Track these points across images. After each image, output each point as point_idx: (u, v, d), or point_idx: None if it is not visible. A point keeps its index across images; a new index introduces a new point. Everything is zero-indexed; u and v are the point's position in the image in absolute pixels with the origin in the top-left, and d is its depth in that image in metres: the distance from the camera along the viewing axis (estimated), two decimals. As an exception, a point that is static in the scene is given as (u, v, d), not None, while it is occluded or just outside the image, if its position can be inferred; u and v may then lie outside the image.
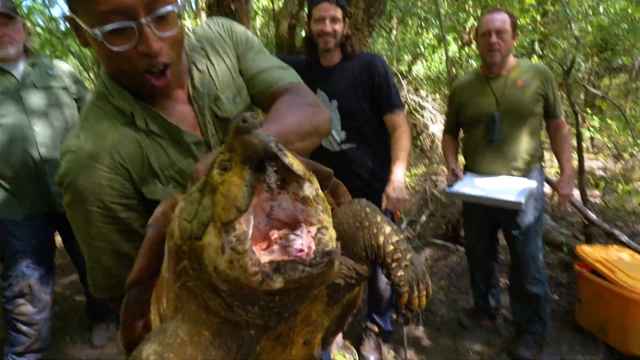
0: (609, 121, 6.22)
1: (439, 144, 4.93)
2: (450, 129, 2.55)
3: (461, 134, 2.57)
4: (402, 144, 2.07)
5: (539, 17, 5.50)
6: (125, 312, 0.64)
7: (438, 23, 5.28)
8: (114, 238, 0.85)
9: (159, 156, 0.87)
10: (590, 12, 6.55)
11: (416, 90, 6.63)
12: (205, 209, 0.51)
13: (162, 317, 0.61)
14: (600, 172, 6.18)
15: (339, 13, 2.00)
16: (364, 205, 0.71)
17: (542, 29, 5.92)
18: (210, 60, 0.96)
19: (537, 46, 7.26)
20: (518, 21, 2.30)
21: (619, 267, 2.47)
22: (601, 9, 6.16)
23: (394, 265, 0.69)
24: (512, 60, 2.26)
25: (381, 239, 0.69)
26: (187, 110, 0.92)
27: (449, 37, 5.36)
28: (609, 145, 6.53)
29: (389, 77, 2.10)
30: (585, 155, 6.83)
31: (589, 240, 3.41)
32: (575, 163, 3.20)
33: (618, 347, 2.44)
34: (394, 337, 2.60)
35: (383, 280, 2.35)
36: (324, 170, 0.69)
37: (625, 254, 2.70)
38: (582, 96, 9.45)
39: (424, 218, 4.37)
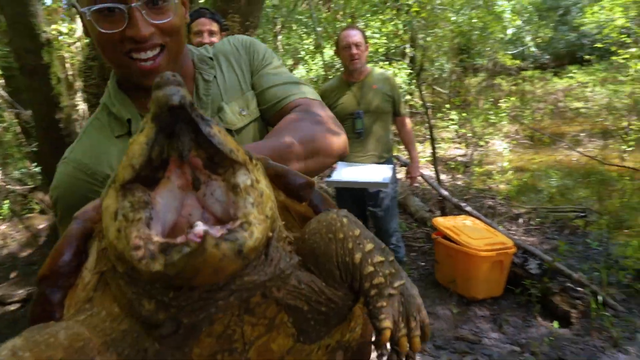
0: (464, 114, 7.27)
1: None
2: None
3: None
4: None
5: (401, 26, 6.27)
6: (31, 310, 0.54)
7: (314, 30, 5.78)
8: None
9: None
10: (452, 17, 7.57)
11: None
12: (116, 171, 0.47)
13: (65, 318, 0.53)
14: (462, 159, 7.19)
15: (214, 27, 2.26)
16: (342, 214, 0.56)
17: (405, 35, 6.72)
18: (221, 71, 0.95)
19: (407, 50, 8.17)
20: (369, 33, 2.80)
21: (463, 232, 3.09)
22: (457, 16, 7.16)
23: (372, 292, 0.54)
24: (367, 68, 2.75)
25: (358, 256, 0.54)
26: None
27: (325, 43, 5.89)
28: (469, 135, 7.62)
29: None
30: (450, 144, 7.87)
31: (444, 213, 4.10)
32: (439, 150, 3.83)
33: (466, 295, 3.06)
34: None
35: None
36: (302, 179, 0.59)
37: (468, 221, 3.36)
38: (446, 91, 10.76)
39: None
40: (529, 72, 12.17)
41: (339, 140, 0.87)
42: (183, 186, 0.46)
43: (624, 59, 6.72)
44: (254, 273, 0.48)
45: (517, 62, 11.05)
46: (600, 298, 2.95)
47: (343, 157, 0.95)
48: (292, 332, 0.54)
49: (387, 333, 0.53)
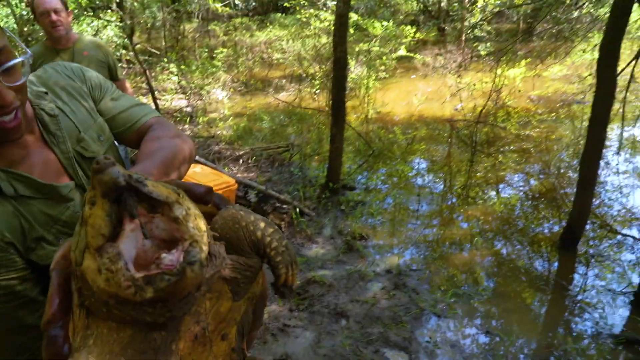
0: (183, 67, 7.59)
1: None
2: None
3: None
4: None
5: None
6: (47, 350, 0.67)
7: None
8: (17, 314, 0.85)
9: (37, 219, 0.86)
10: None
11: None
12: (82, 239, 0.60)
13: (75, 349, 0.65)
14: (187, 110, 7.58)
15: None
16: (238, 208, 0.77)
17: None
18: (65, 103, 0.98)
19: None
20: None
21: (194, 178, 3.58)
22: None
23: (272, 253, 0.77)
24: (74, 34, 2.75)
25: (259, 233, 0.76)
26: (47, 156, 0.92)
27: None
28: (192, 85, 8.00)
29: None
30: (174, 95, 8.09)
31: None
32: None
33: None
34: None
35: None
36: (203, 188, 0.76)
37: (198, 168, 3.88)
38: (163, 43, 10.69)
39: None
40: (239, 19, 13.24)
41: (191, 145, 1.00)
42: (133, 229, 0.60)
43: (305, 17, 8.22)
44: (211, 269, 0.67)
45: (227, 10, 11.84)
46: (298, 210, 4.02)
47: None
48: (229, 296, 0.73)
49: (283, 276, 0.77)
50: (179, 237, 0.61)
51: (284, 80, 9.30)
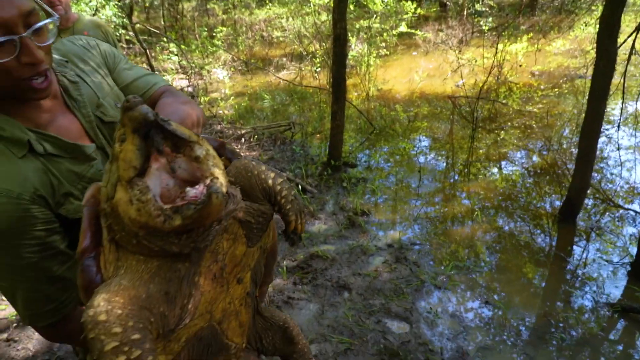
0: (183, 47, 7.53)
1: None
2: None
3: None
4: None
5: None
6: (81, 277, 0.72)
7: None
8: (46, 264, 0.89)
9: (65, 176, 0.92)
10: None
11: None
12: (113, 173, 0.65)
13: (107, 278, 0.71)
14: (188, 89, 7.57)
15: None
16: (250, 159, 0.85)
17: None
18: (83, 71, 1.03)
19: None
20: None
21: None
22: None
23: (282, 201, 0.82)
24: (74, 14, 2.74)
25: (270, 182, 0.82)
26: (70, 120, 0.98)
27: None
28: (193, 65, 7.96)
29: None
30: (174, 75, 8.06)
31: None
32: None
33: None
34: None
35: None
36: (217, 142, 0.83)
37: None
38: (162, 22, 10.59)
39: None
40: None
41: (200, 111, 1.04)
42: (159, 168, 0.66)
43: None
44: (229, 206, 0.73)
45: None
46: (300, 187, 4.06)
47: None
48: (244, 240, 0.79)
49: (293, 223, 0.84)
50: (200, 176, 0.66)
51: (285, 59, 9.22)
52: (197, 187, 0.65)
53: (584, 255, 3.23)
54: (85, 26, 2.77)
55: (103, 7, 6.01)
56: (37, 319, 0.93)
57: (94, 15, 5.76)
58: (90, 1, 5.80)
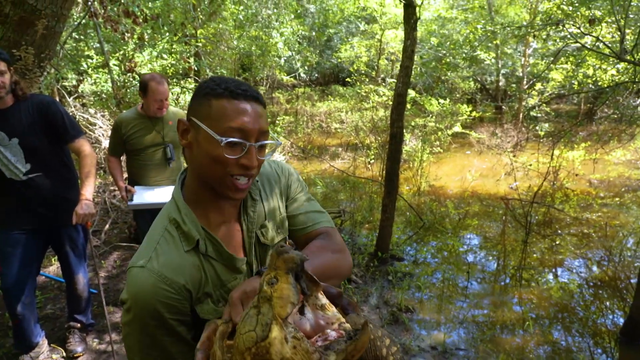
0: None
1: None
2: (117, 152, 3.22)
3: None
4: (87, 166, 2.54)
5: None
6: None
7: (100, 48, 5.74)
8: (169, 348, 0.95)
9: (212, 278, 0.99)
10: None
11: (84, 106, 6.78)
12: (265, 314, 0.65)
13: None
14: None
15: (3, 66, 2.29)
16: (367, 318, 0.88)
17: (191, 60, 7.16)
18: (266, 193, 1.14)
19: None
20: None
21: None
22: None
23: None
24: (167, 103, 3.16)
25: (384, 351, 0.82)
26: (236, 229, 1.07)
27: (112, 61, 5.90)
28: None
29: (62, 113, 2.54)
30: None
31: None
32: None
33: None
34: (96, 328, 3.10)
35: (81, 281, 2.82)
36: (335, 290, 0.83)
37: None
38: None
39: (107, 226, 4.84)
40: (302, 89, 14.15)
41: (349, 263, 1.09)
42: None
43: (365, 92, 8.69)
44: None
45: (291, 79, 12.77)
46: (346, 276, 4.07)
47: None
48: None
49: None
50: (324, 325, 0.71)
51: (340, 149, 9.66)
52: (329, 331, 0.69)
53: (651, 385, 2.94)
54: (170, 117, 3.16)
55: (183, 94, 6.77)
56: None
57: (175, 100, 6.47)
58: (172, 88, 6.55)
